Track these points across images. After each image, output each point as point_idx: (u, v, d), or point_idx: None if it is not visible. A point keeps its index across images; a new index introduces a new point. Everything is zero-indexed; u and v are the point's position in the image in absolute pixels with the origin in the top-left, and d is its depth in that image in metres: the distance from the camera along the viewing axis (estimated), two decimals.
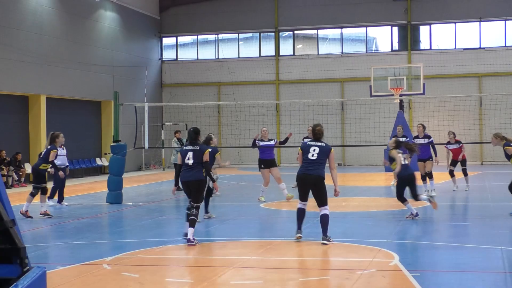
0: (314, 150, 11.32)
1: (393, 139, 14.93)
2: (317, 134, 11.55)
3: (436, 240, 11.79)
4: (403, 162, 13.82)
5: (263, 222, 15.04)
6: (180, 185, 12.17)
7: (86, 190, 23.59)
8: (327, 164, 11.47)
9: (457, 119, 31.20)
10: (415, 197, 14.03)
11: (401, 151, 14.08)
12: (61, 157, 17.78)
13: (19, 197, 19.82)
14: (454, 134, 20.02)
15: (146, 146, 21.13)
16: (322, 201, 11.37)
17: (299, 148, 11.62)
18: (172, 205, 18.67)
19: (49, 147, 16.04)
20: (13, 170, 25.55)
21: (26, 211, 15.44)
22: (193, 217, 11.35)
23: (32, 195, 15.63)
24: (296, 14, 37.40)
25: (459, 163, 19.98)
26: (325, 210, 11.33)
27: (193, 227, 11.31)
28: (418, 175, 15.69)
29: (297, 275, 9.10)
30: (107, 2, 32.88)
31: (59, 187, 17.95)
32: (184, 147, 11.88)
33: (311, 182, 11.31)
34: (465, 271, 9.16)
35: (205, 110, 33.74)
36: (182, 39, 40.06)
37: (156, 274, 9.23)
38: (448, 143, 19.83)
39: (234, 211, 16.08)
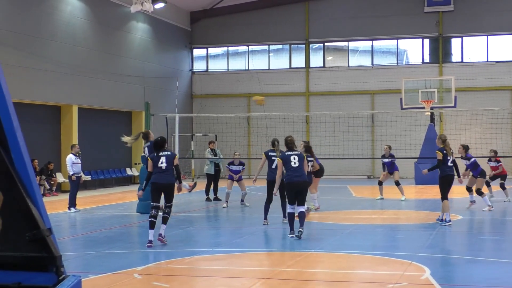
0: (294, 158, 13.11)
1: None
2: (289, 144, 13.41)
3: (469, 254, 11.67)
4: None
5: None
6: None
7: (117, 199, 23.74)
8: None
9: (489, 132, 30.92)
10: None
11: None
12: (77, 165, 18.70)
13: (51, 206, 20.04)
14: (495, 152, 20.46)
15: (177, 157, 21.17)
16: (303, 202, 13.31)
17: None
18: (202, 215, 18.72)
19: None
20: (44, 179, 25.83)
21: None
22: (166, 215, 12.64)
23: None
24: (326, 26, 37.39)
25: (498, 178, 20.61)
26: (302, 208, 13.20)
27: (166, 224, 12.68)
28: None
29: None
30: (139, 13, 33.17)
31: (74, 193, 19.03)
32: (160, 153, 12.59)
33: (300, 187, 13.11)
34: (498, 286, 9.05)
35: (235, 121, 33.82)
36: (212, 51, 40.25)
37: (186, 285, 9.26)
38: (489, 160, 20.21)
39: (261, 222, 16.04)
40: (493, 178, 20.55)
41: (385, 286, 8.84)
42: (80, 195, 25.85)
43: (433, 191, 24.13)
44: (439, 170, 14.80)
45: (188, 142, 34.28)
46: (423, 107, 29.22)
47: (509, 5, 35.21)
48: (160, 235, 12.51)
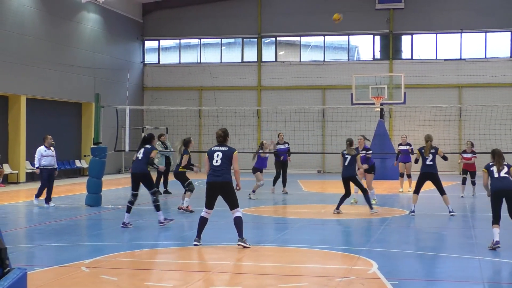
0: (217, 155, 11.44)
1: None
2: (218, 138, 11.66)
3: (415, 249, 11.86)
4: None
5: (243, 227, 15.00)
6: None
7: (65, 192, 23.43)
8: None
9: (437, 129, 31.42)
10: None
11: None
12: (48, 158, 18.19)
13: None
14: (472, 144, 20.92)
15: (127, 149, 21.08)
16: (233, 204, 11.44)
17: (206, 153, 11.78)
18: (152, 208, 18.56)
19: None
20: None
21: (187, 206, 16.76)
22: (154, 202, 13.97)
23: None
24: (279, 21, 37.49)
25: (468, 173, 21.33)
26: (238, 213, 11.42)
27: (159, 210, 13.95)
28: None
29: (276, 281, 9.10)
30: (90, 4, 32.75)
31: (47, 187, 18.32)
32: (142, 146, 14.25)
33: (218, 189, 11.40)
34: (443, 280, 9.22)
35: (186, 114, 33.69)
36: (164, 43, 40.00)
37: (134, 278, 9.20)
38: (464, 152, 20.57)
39: (214, 216, 16.02)
40: (465, 172, 21.26)
41: (332, 280, 8.92)
42: (28, 187, 25.49)
43: (383, 186, 24.45)
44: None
45: (139, 135, 33.97)
46: (373, 103, 29.52)
47: (458, 4, 35.80)
48: (159, 221, 14.01)
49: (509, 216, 11.69)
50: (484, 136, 27.79)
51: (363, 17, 36.52)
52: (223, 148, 11.52)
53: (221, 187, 11.38)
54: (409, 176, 23.11)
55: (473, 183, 21.26)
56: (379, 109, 29.92)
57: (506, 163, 11.89)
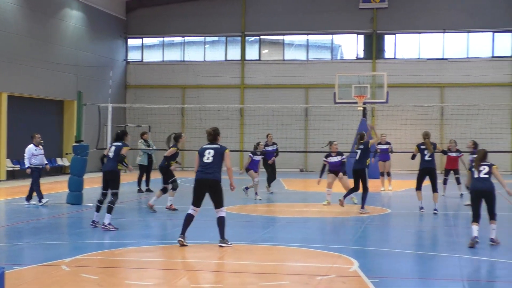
0: (209, 153, 11.36)
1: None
2: (208, 136, 11.60)
3: (396, 247, 11.90)
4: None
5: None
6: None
7: (46, 190, 23.21)
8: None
9: (419, 128, 31.32)
10: None
11: None
12: (38, 157, 18.07)
13: None
14: (455, 142, 20.85)
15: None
16: (218, 204, 11.35)
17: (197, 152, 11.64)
18: (133, 207, 18.54)
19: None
20: None
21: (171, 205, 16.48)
22: (110, 204, 13.27)
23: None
24: (262, 20, 37.49)
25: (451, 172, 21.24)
26: (222, 213, 11.35)
27: (110, 213, 13.24)
28: None
29: (257, 280, 9.11)
30: (73, 1, 32.59)
31: (34, 185, 18.18)
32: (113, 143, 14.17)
33: (208, 186, 11.30)
34: (423, 278, 9.26)
35: (169, 112, 33.58)
36: (148, 41, 39.87)
37: (115, 276, 9.17)
38: (449, 150, 20.36)
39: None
40: (447, 173, 21.20)
41: (314, 278, 8.94)
42: (9, 185, 25.32)
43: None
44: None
45: (118, 130, 33.84)
46: (356, 102, 29.57)
47: (441, 4, 35.98)
48: (103, 224, 13.26)
49: (488, 216, 11.81)
50: (465, 135, 27.90)
51: (346, 16, 36.60)
52: (215, 146, 11.46)
53: (210, 185, 11.28)
54: (388, 174, 23.24)
55: (458, 180, 21.02)
56: (362, 108, 29.99)
57: (488, 163, 12.04)
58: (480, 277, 9.67)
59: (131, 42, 39.44)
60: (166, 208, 16.50)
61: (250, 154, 20.26)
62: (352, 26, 36.72)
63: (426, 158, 16.37)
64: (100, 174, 14.40)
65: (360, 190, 16.63)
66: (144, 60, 39.32)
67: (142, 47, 39.52)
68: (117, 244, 11.77)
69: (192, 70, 38.00)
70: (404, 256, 10.96)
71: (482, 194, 11.84)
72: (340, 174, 18.30)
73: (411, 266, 10.19)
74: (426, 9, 36.05)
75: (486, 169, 11.94)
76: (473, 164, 12.11)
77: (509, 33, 35.54)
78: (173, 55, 39.23)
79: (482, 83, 35.10)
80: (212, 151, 11.37)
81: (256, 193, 19.68)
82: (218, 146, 11.47)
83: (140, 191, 21.79)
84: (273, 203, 19.21)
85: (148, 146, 21.96)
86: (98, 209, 13.75)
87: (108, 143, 20.50)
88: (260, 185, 20.28)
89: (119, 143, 13.99)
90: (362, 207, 16.49)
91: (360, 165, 16.63)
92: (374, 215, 16.27)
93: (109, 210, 13.28)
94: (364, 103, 29.63)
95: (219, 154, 11.35)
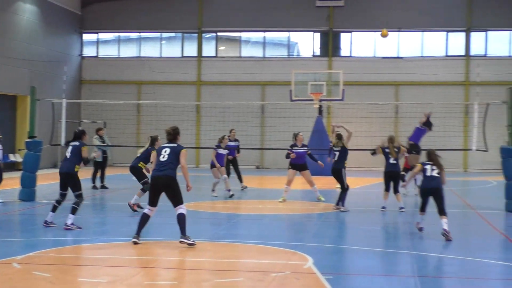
0: (165, 151, 11.38)
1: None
2: (168, 135, 11.58)
3: (350, 244, 12.01)
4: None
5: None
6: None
7: None
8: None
9: (374, 126, 31.85)
10: None
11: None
12: None
13: None
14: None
15: (63, 143, 20.78)
16: (177, 201, 11.22)
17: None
18: (87, 203, 18.35)
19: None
20: None
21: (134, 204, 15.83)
22: (74, 205, 12.79)
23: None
24: (219, 16, 37.44)
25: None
26: (182, 209, 11.18)
27: (73, 214, 12.77)
28: None
29: (212, 276, 9.11)
30: None
31: None
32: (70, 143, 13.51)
33: (162, 184, 11.21)
34: (375, 274, 9.36)
35: (124, 108, 33.33)
36: (103, 36, 39.49)
37: (68, 274, 9.07)
38: (408, 151, 20.14)
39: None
40: (406, 170, 21.16)
41: (268, 275, 8.97)
42: None
43: (320, 182, 24.65)
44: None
45: (76, 129, 33.50)
46: (312, 100, 29.74)
47: (396, 4, 36.38)
48: (65, 224, 12.73)
49: (438, 213, 12.46)
50: None
51: (303, 14, 36.76)
52: (172, 145, 11.42)
53: (163, 183, 11.19)
54: None
55: (415, 181, 21.21)
56: (318, 106, 30.17)
57: (439, 164, 12.75)
58: (430, 273, 9.80)
59: (86, 37, 39.02)
60: (128, 204, 15.97)
61: (215, 147, 20.02)
62: (308, 24, 36.90)
63: (391, 161, 16.65)
64: (53, 171, 14.20)
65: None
66: (99, 56, 38.95)
67: (97, 42, 39.13)
68: (70, 241, 11.65)
69: (148, 66, 37.78)
70: (358, 253, 11.06)
71: (430, 192, 12.65)
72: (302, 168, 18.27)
73: (364, 262, 10.29)
74: (382, 8, 36.43)
75: (436, 169, 12.64)
76: (428, 162, 12.74)
77: (463, 33, 36.13)
78: (129, 51, 38.94)
79: (436, 82, 35.61)
80: (168, 150, 11.35)
81: (229, 190, 19.52)
82: (175, 145, 11.41)
83: (94, 187, 21.59)
84: (229, 200, 19.20)
85: (103, 142, 21.77)
86: (54, 209, 13.13)
87: (63, 139, 20.30)
88: (234, 184, 20.15)
89: (76, 143, 13.29)
90: (342, 205, 16.47)
91: (338, 165, 16.64)
92: (328, 212, 16.38)
93: (73, 211, 12.76)
94: (320, 100, 29.82)
95: (175, 153, 11.29)
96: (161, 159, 11.32)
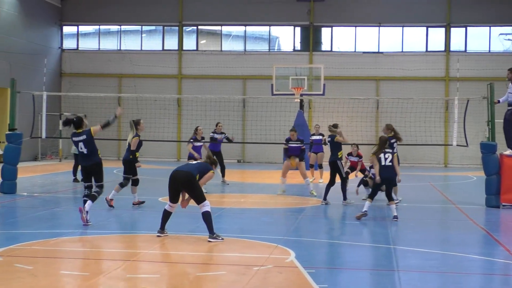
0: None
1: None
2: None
3: (331, 238, 12.09)
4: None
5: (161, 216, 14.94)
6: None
7: None
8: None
9: (355, 120, 31.98)
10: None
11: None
12: None
13: None
14: (358, 147, 19.38)
15: (43, 135, 20.69)
16: (199, 198, 11.24)
17: None
18: (68, 196, 18.30)
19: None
20: None
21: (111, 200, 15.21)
22: (95, 193, 12.64)
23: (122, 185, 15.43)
24: (200, 10, 37.34)
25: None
26: (205, 207, 11.17)
27: (92, 201, 12.55)
28: None
29: (194, 270, 9.13)
30: None
31: None
32: (77, 139, 12.97)
33: (181, 180, 11.20)
34: (357, 269, 9.43)
35: (105, 101, 33.08)
36: (83, 29, 39.24)
37: (50, 266, 9.05)
38: (350, 154, 19.11)
39: (130, 204, 15.87)
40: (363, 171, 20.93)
41: (251, 269, 9.01)
42: None
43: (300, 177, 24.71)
44: None
45: (56, 122, 33.35)
46: (293, 94, 29.77)
47: None
48: (83, 207, 12.55)
49: (386, 197, 13.95)
50: (400, 128, 28.43)
51: (284, 8, 36.77)
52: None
53: (183, 179, 11.27)
54: (320, 166, 23.22)
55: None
56: (299, 100, 30.22)
57: (391, 151, 13.85)
58: (412, 267, 9.87)
59: (66, 29, 38.76)
60: (106, 199, 15.41)
61: (191, 141, 19.89)
62: (289, 18, 36.92)
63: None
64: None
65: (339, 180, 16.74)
66: (79, 48, 38.71)
67: (77, 35, 38.88)
68: (52, 234, 11.61)
69: (129, 59, 37.61)
70: (340, 247, 11.13)
71: (385, 181, 13.77)
72: (297, 160, 18.34)
73: (346, 256, 10.36)
74: (362, 2, 36.52)
75: (390, 156, 13.69)
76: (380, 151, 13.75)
77: (443, 28, 36.32)
78: (109, 44, 38.74)
79: (416, 77, 35.79)
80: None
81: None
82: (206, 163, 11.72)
83: (75, 180, 21.49)
84: (210, 194, 19.19)
85: None
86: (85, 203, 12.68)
87: (43, 132, 20.19)
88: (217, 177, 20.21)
89: (83, 137, 12.87)
90: (344, 197, 16.60)
91: (332, 158, 16.54)
92: (309, 206, 16.45)
93: (93, 198, 12.64)
94: (301, 95, 29.85)
95: (204, 167, 11.53)
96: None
